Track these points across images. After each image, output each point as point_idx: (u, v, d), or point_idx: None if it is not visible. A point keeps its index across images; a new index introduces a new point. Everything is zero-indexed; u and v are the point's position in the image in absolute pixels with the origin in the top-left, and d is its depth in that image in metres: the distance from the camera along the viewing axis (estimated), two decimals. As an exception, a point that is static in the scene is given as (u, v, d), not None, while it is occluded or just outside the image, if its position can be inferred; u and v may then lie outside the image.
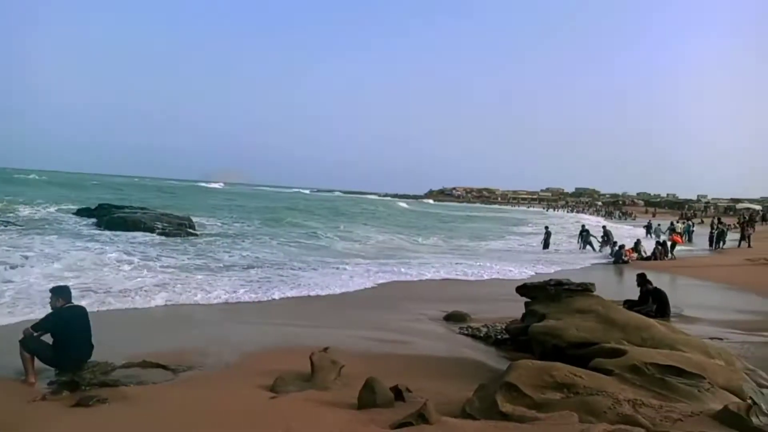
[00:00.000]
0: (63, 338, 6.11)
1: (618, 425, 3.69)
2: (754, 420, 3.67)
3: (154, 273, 13.32)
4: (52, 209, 30.17)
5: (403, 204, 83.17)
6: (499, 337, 8.65)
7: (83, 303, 7.60)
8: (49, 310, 6.41)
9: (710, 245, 27.66)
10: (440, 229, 38.75)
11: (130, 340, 7.89)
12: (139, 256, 15.79)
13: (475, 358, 7.75)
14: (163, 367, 6.58)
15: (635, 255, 21.78)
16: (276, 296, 11.87)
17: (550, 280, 7.24)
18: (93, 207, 29.15)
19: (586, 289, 6.93)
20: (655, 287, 10.87)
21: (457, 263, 18.82)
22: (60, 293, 6.27)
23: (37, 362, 6.11)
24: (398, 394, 5.34)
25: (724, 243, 27.21)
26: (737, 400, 4.54)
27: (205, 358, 7.11)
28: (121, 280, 12.14)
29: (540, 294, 7.16)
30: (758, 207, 66.86)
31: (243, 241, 22.49)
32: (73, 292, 6.86)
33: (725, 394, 4.50)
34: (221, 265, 15.65)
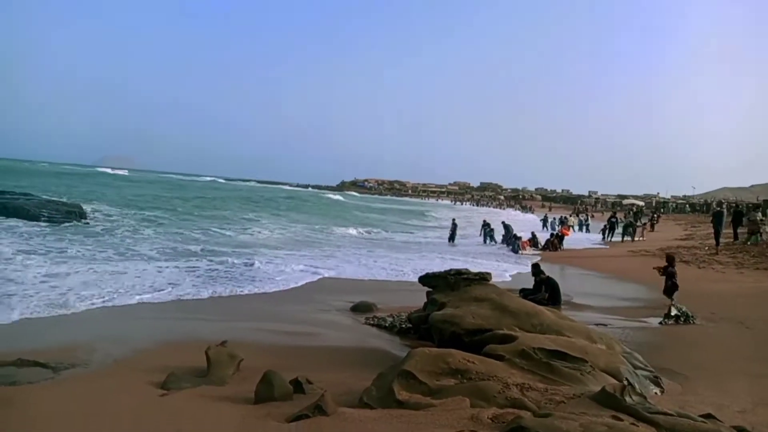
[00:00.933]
0: None
1: (506, 409, 3.86)
2: (628, 399, 3.98)
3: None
4: None
5: (334, 196, 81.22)
6: (404, 326, 8.80)
7: None
8: None
9: (603, 237, 30.20)
10: (355, 220, 38.80)
11: (10, 336, 7.18)
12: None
13: (379, 347, 7.82)
14: (42, 365, 6.03)
15: (529, 248, 23.18)
16: (179, 291, 11.30)
17: (450, 269, 7.46)
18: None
19: (483, 278, 7.21)
20: (548, 276, 11.54)
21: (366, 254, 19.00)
22: None
23: None
24: (298, 386, 5.26)
25: (612, 235, 29.72)
26: (615, 381, 4.93)
27: (91, 354, 6.61)
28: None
29: (440, 283, 7.36)
30: (641, 203, 73.32)
31: (141, 232, 21.21)
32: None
33: (605, 376, 4.86)
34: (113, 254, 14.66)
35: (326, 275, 14.38)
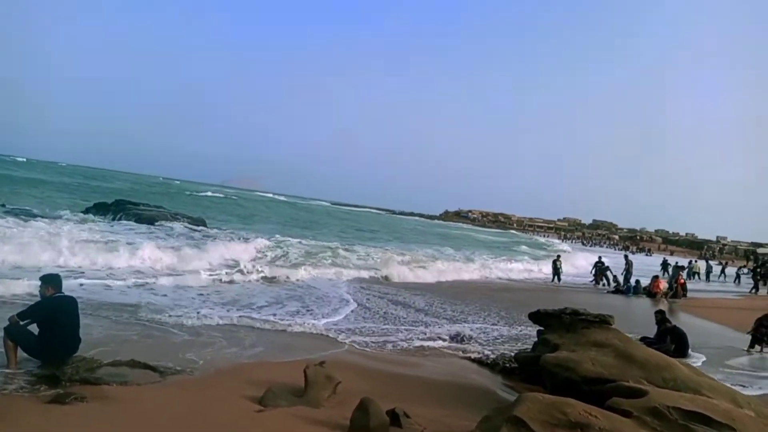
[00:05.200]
0: (49, 329, 5.82)
1: (637, 476, 3.27)
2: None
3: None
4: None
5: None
6: (508, 365, 8.20)
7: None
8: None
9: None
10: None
11: (125, 339, 7.61)
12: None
13: (480, 385, 7.31)
14: (152, 368, 6.25)
15: (664, 288, 21.26)
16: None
17: (566, 308, 6.80)
18: (109, 202, 28.91)
19: (603, 321, 6.48)
20: (674, 325, 10.36)
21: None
22: (50, 281, 6.00)
23: (21, 353, 5.84)
24: (395, 418, 4.95)
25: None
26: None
27: (197, 362, 6.78)
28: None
29: (554, 322, 6.72)
30: (781, 252, 65.17)
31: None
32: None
33: (757, 449, 4.03)
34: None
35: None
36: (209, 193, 74.44)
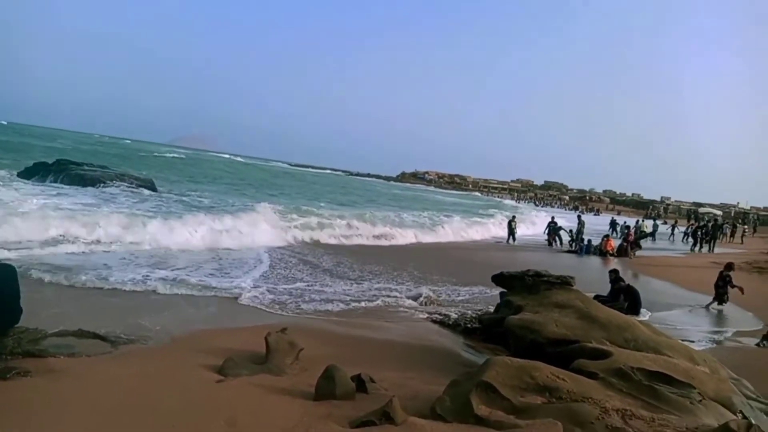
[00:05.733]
0: (-17, 300, 5.37)
1: (607, 439, 3.27)
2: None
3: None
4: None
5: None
6: (469, 325, 8.26)
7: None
8: None
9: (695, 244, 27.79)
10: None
11: (76, 307, 7.19)
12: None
13: (443, 347, 7.32)
14: (101, 337, 5.92)
15: (613, 246, 22.09)
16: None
17: (528, 270, 6.81)
18: (50, 162, 27.13)
19: (565, 282, 6.53)
20: (628, 284, 10.67)
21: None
22: None
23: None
24: (361, 384, 4.84)
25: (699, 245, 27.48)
26: (728, 413, 4.20)
27: (152, 330, 6.47)
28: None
29: (517, 284, 6.73)
30: (719, 212, 68.53)
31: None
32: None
33: (717, 406, 4.14)
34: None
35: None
36: (170, 155, 71.60)
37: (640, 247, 23.60)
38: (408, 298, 9.92)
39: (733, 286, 11.97)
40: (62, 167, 24.83)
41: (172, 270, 10.10)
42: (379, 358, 6.35)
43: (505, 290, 7.08)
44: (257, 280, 10.19)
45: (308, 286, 10.28)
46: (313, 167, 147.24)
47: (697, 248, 27.25)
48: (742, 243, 33.40)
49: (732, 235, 35.21)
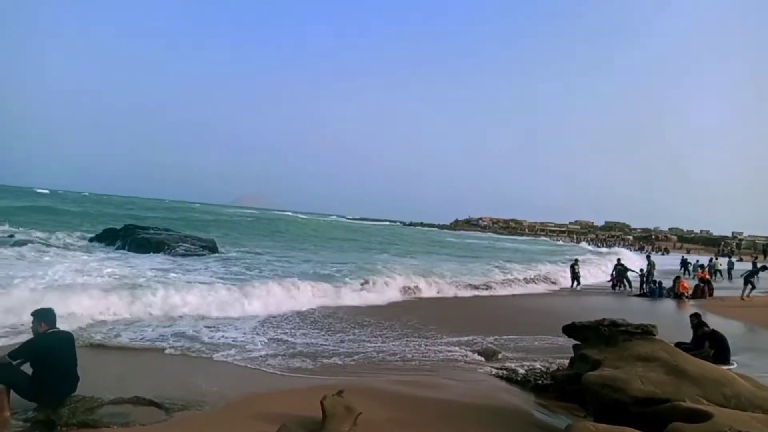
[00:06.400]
0: (43, 368, 5.36)
1: None
2: None
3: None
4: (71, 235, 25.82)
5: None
6: (540, 381, 7.64)
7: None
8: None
9: None
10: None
11: (131, 374, 7.14)
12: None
13: (512, 406, 6.73)
14: (157, 405, 5.78)
15: (687, 287, 20.55)
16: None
17: (603, 319, 6.23)
18: (119, 228, 28.48)
19: (647, 331, 5.90)
20: (713, 329, 9.71)
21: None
22: (42, 317, 5.54)
23: (16, 396, 5.38)
24: (424, 454, 4.41)
25: None
26: None
27: (206, 396, 6.28)
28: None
29: (591, 336, 6.15)
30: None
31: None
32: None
33: None
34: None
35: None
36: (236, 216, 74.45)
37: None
38: (473, 352, 9.39)
39: None
40: (129, 232, 26.02)
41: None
42: (443, 421, 5.87)
43: (578, 342, 6.50)
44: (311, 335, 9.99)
45: (369, 344, 9.94)
46: (368, 219, 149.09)
47: None
48: None
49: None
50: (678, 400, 4.59)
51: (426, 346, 9.84)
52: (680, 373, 5.03)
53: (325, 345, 9.49)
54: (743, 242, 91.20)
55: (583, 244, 71.72)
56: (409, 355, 9.14)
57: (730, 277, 31.26)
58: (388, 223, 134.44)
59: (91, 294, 10.33)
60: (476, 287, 19.36)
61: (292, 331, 10.42)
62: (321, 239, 44.50)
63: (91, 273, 14.32)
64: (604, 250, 58.80)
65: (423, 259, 29.86)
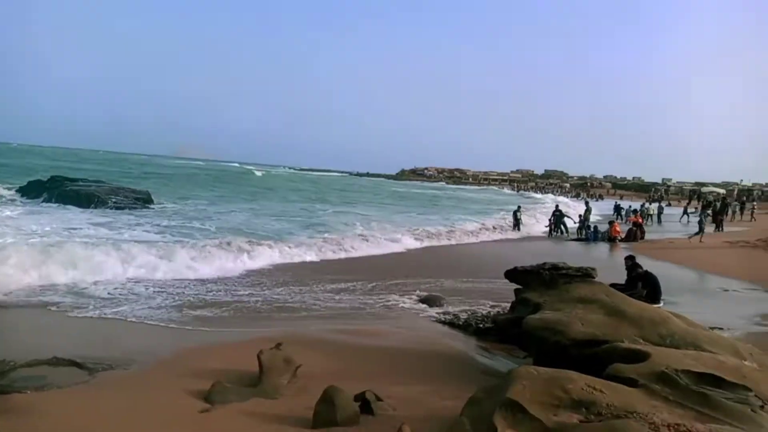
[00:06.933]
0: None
1: (665, 466, 2.69)
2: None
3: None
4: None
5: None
6: (481, 325, 7.69)
7: None
8: None
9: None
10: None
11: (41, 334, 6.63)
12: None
13: (456, 351, 6.75)
14: (78, 365, 5.34)
15: (620, 231, 21.40)
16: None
17: (545, 263, 6.22)
18: (45, 179, 26.48)
19: (587, 274, 5.94)
20: (646, 271, 10.02)
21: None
22: None
23: None
24: (365, 405, 4.27)
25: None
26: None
27: (134, 354, 5.89)
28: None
29: (533, 280, 6.14)
30: (722, 191, 67.78)
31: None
32: None
33: (781, 412, 3.55)
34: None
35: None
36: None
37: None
38: (416, 299, 9.36)
39: None
40: (57, 184, 24.33)
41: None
42: (386, 370, 5.78)
43: (520, 287, 6.50)
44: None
45: (308, 293, 9.72)
46: (317, 170, 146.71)
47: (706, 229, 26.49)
48: (752, 220, 32.68)
49: (741, 212, 34.51)
50: (617, 341, 4.62)
51: (369, 295, 9.72)
52: (619, 314, 5.08)
53: (261, 298, 9.19)
54: (672, 188, 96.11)
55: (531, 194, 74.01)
56: (352, 305, 9.00)
57: (659, 221, 32.91)
58: (338, 174, 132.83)
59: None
60: (425, 238, 19.18)
61: (229, 288, 9.99)
62: (274, 191, 43.48)
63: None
64: (539, 195, 62.41)
65: (386, 210, 29.96)
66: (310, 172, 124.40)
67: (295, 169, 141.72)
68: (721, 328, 7.81)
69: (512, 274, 6.54)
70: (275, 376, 4.91)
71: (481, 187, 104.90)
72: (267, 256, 12.67)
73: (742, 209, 35.37)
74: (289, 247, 13.84)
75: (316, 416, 3.94)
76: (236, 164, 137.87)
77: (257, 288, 9.91)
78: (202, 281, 10.07)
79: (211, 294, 9.21)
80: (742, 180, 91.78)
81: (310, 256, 13.45)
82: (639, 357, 4.10)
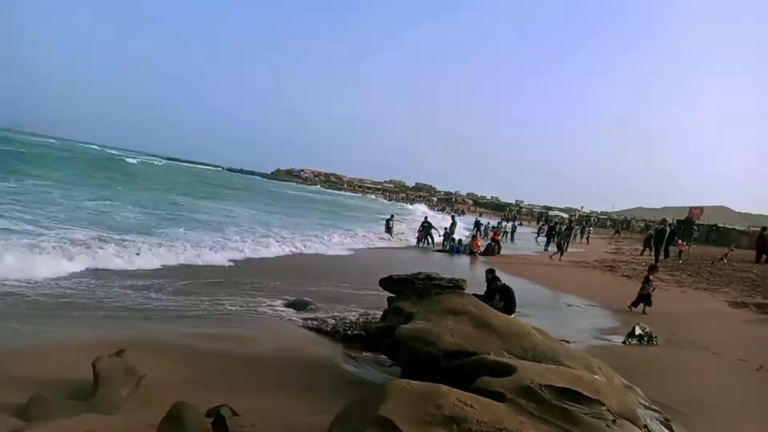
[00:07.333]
0: None
1: (534, 487, 2.64)
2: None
3: None
4: None
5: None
6: (349, 332, 7.50)
7: None
8: None
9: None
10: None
11: None
12: None
13: (322, 358, 6.46)
14: None
15: (480, 245, 22.78)
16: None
17: (419, 273, 6.19)
18: None
19: (457, 285, 6.00)
20: (504, 284, 10.57)
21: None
22: None
23: None
24: (219, 421, 3.79)
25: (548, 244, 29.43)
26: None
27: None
28: None
29: (407, 289, 6.06)
30: (566, 215, 75.63)
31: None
32: None
33: (628, 425, 3.75)
34: None
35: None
36: None
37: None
38: (283, 304, 8.91)
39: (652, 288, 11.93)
40: None
41: None
42: (245, 380, 5.30)
43: (393, 295, 6.39)
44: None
45: (160, 293, 8.83)
46: (183, 161, 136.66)
47: (549, 248, 29.26)
48: (588, 243, 36.74)
49: (582, 235, 38.66)
50: (484, 353, 4.65)
51: (230, 298, 9.08)
52: (487, 326, 5.15)
53: (103, 295, 8.17)
54: (524, 209, 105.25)
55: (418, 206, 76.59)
56: (211, 307, 8.33)
57: (512, 239, 35.72)
58: (212, 168, 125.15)
59: None
60: (297, 242, 18.56)
61: (66, 286, 8.75)
62: (148, 180, 39.81)
63: None
64: (410, 206, 65.59)
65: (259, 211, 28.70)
66: (178, 163, 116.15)
67: (161, 158, 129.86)
68: (567, 341, 8.42)
69: (386, 282, 6.42)
70: (113, 388, 4.23)
71: (358, 194, 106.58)
72: (116, 252, 11.31)
73: (582, 233, 39.61)
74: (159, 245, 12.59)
75: (159, 436, 3.39)
76: (95, 146, 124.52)
77: (100, 285, 8.79)
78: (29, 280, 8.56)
79: (43, 290, 7.97)
80: (582, 206, 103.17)
81: (171, 257, 12.20)
82: (506, 370, 4.13)
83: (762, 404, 6.12)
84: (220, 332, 6.93)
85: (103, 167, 47.95)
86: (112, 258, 10.69)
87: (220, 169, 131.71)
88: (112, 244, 11.72)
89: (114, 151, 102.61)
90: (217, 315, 7.96)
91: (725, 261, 20.18)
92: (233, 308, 8.42)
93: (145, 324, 6.99)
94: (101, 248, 11.15)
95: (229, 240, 15.76)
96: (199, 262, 12.12)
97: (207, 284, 9.98)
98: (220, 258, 12.87)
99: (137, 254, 11.27)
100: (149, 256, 11.37)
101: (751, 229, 38.14)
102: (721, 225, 43.30)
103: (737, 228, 42.06)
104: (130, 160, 69.56)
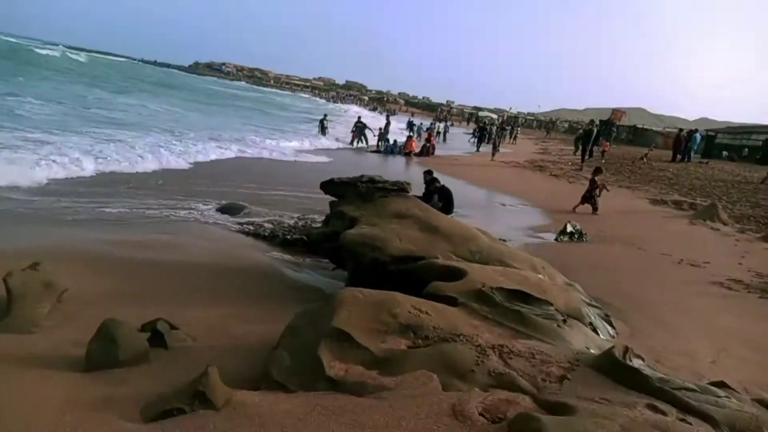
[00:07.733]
0: None
1: (494, 392, 2.61)
2: (630, 363, 2.96)
3: None
4: None
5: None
6: (288, 237, 7.26)
7: None
8: None
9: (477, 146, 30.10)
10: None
11: None
12: None
13: (262, 264, 6.24)
14: None
15: (415, 146, 22.72)
16: None
17: (362, 176, 5.90)
18: None
19: (401, 188, 5.79)
20: (443, 185, 10.56)
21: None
22: None
23: None
24: (157, 336, 3.53)
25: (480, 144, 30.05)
26: (588, 331, 3.96)
27: None
28: None
29: (349, 192, 5.79)
30: (495, 116, 76.65)
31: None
32: None
33: (577, 324, 3.84)
34: None
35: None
36: None
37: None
38: (214, 209, 8.46)
39: (599, 190, 12.10)
40: None
41: None
42: (180, 290, 5.00)
43: (335, 199, 6.12)
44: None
45: (79, 197, 8.10)
46: (100, 52, 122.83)
47: (481, 149, 29.78)
48: (515, 143, 37.71)
49: (510, 136, 39.53)
50: (432, 257, 4.57)
51: (158, 201, 8.50)
52: (433, 229, 5.05)
53: (11, 203, 7.40)
54: (454, 110, 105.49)
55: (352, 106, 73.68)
56: (137, 212, 7.77)
57: (444, 139, 35.91)
58: (122, 59, 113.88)
59: None
60: (232, 145, 17.45)
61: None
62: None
63: None
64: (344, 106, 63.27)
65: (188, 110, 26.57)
66: (79, 52, 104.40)
67: (55, 45, 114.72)
68: (505, 240, 8.64)
69: (328, 186, 6.12)
70: (30, 305, 3.81)
71: (286, 91, 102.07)
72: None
73: (511, 133, 40.44)
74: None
75: (90, 357, 3.08)
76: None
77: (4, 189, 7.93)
78: None
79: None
80: (510, 108, 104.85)
81: (89, 162, 11.05)
82: (456, 274, 4.08)
83: (686, 295, 6.58)
84: (147, 238, 6.50)
85: (6, 57, 42.61)
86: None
87: (130, 59, 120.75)
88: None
89: (16, 40, 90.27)
90: (143, 221, 7.44)
91: (645, 161, 21.29)
92: (160, 214, 7.90)
93: (63, 232, 6.39)
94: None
95: (160, 144, 14.55)
96: (124, 168, 11.20)
97: (130, 190, 9.28)
98: (149, 163, 11.95)
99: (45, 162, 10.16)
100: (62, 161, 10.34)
101: (667, 130, 40.41)
102: (640, 126, 45.50)
103: (654, 129, 44.42)
104: (41, 51, 61.78)
